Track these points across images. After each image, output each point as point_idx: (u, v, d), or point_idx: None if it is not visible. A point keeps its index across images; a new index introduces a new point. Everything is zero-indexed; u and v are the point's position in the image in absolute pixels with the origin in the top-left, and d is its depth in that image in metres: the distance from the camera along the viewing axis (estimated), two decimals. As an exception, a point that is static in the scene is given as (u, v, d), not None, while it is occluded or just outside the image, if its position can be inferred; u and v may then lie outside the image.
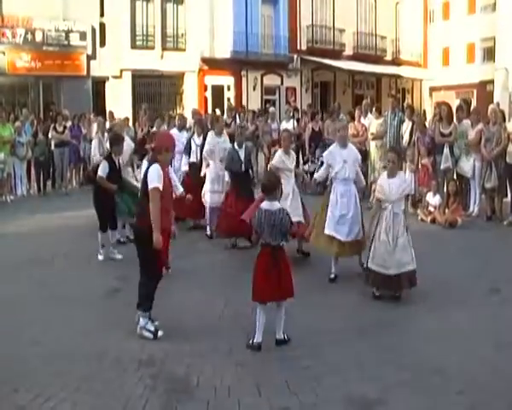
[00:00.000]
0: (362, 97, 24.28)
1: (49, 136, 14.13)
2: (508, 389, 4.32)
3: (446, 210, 10.10)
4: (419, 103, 33.29)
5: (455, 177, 10.88)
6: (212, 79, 25.92)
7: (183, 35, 24.97)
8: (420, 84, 35.81)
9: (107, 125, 14.31)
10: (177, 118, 11.89)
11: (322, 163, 13.30)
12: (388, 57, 32.82)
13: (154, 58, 23.92)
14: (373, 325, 5.55)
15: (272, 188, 5.10)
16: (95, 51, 22.74)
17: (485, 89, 33.01)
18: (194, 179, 9.49)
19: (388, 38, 32.62)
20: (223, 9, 25.28)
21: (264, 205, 5.10)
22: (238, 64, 26.05)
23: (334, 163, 7.05)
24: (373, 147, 12.47)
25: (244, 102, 25.21)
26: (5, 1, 20.50)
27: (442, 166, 10.82)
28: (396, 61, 32.88)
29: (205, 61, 25.21)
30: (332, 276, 7.01)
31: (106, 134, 11.23)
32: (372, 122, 12.79)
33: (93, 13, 22.37)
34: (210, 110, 23.31)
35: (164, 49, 24.50)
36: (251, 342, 5.01)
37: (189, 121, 12.71)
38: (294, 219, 7.46)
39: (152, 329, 5.23)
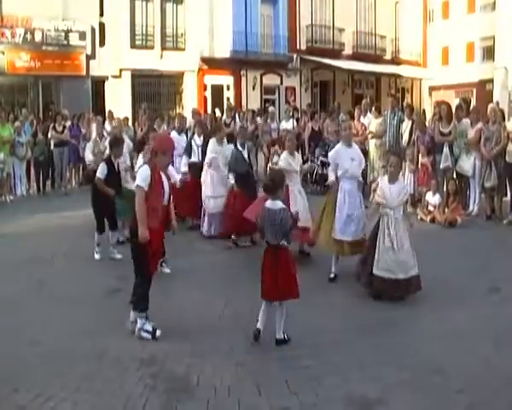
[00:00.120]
0: (361, 97, 24.26)
1: (49, 136, 14.12)
2: (507, 388, 4.32)
3: (446, 209, 10.10)
4: (418, 103, 33.27)
5: (454, 176, 10.89)
6: (212, 79, 25.91)
7: (182, 35, 24.95)
8: (419, 83, 35.79)
9: (107, 124, 14.34)
10: (176, 120, 11.88)
11: (322, 162, 13.49)
12: (388, 57, 32.80)
13: (154, 58, 23.90)
14: (373, 325, 5.55)
15: (274, 187, 5.11)
16: (94, 51, 22.72)
17: (484, 88, 33.03)
18: (194, 179, 9.49)
19: (388, 37, 32.60)
20: (222, 9, 25.26)
21: (268, 204, 5.14)
22: (238, 64, 26.04)
23: (341, 162, 7.03)
24: (372, 146, 12.48)
25: (244, 102, 25.25)
26: (5, 1, 20.47)
27: (442, 166, 10.83)
28: (395, 61, 32.86)
29: (204, 60, 25.20)
30: (332, 276, 7.02)
31: (105, 134, 11.25)
32: (371, 121, 12.82)
33: (92, 13, 22.34)
34: (209, 110, 23.35)
35: (163, 48, 24.48)
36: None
37: (189, 121, 12.72)
38: (302, 223, 7.56)
39: (150, 329, 5.23)
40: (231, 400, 4.17)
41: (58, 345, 5.07)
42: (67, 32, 21.82)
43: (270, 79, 27.96)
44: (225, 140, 9.55)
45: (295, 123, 15.68)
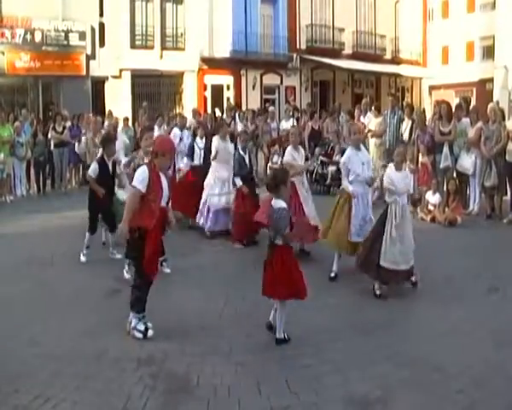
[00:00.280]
0: (361, 96, 24.25)
1: (49, 136, 14.11)
2: (507, 387, 4.32)
3: (446, 209, 10.10)
4: (418, 102, 33.25)
5: (454, 175, 10.88)
6: (212, 79, 25.90)
7: (182, 35, 24.95)
8: (419, 82, 35.79)
9: (106, 124, 14.31)
10: (178, 117, 12.06)
11: (321, 162, 13.49)
12: (388, 56, 32.79)
13: (154, 58, 23.89)
14: (373, 324, 5.55)
15: (276, 185, 5.09)
16: (94, 51, 22.72)
17: (484, 87, 33.03)
18: (194, 179, 9.54)
19: (388, 36, 32.60)
20: (222, 9, 25.26)
21: (272, 202, 5.15)
22: (237, 63, 26.03)
23: (353, 167, 7.01)
24: (372, 146, 12.47)
25: (244, 102, 25.22)
26: (4, 1, 20.46)
27: (442, 165, 10.82)
28: (395, 60, 32.86)
29: (204, 60, 25.19)
30: (332, 274, 7.01)
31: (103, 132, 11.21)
32: (371, 121, 12.81)
33: (92, 13, 22.33)
34: (209, 110, 23.35)
35: (163, 48, 24.47)
36: None
37: (189, 121, 12.74)
38: (312, 222, 7.56)
39: (142, 329, 5.22)
40: (231, 399, 4.16)
41: (58, 345, 5.07)
42: (67, 32, 21.83)
43: (270, 79, 27.96)
44: (228, 137, 9.60)
45: (295, 122, 15.67)
